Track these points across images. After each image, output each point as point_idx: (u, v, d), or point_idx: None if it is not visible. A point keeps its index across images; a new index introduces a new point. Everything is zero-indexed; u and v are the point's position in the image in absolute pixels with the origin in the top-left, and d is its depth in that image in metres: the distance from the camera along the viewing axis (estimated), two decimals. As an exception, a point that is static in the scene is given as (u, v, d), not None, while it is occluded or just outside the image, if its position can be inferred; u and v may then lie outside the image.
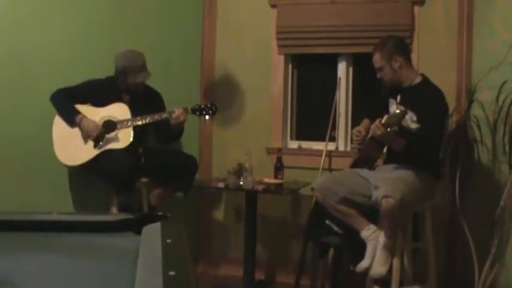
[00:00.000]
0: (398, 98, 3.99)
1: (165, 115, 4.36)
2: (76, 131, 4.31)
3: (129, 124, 4.31)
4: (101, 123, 4.31)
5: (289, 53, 5.09)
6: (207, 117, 4.50)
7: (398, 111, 3.70)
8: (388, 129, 3.61)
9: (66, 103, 4.33)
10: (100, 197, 4.53)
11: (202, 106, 4.48)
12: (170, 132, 4.47)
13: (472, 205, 4.19)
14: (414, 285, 3.98)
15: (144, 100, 4.48)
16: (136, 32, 4.69)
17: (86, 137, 4.30)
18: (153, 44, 4.55)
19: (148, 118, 4.33)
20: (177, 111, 4.35)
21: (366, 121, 4.18)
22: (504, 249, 4.00)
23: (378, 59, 3.97)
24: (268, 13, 5.04)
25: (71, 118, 4.30)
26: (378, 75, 4.02)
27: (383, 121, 3.66)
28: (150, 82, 4.56)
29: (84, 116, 4.29)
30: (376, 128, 3.66)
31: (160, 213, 2.07)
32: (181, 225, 1.92)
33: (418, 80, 3.98)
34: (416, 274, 4.02)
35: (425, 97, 3.87)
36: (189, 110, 4.41)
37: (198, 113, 4.46)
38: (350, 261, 3.97)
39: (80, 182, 4.62)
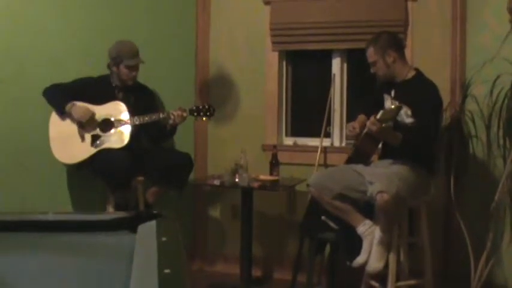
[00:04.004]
0: (393, 92, 4.00)
1: (163, 115, 4.37)
2: (73, 129, 4.31)
3: (127, 123, 4.31)
4: (98, 122, 4.31)
5: (283, 49, 5.09)
6: (204, 118, 4.51)
7: (393, 106, 3.70)
8: (384, 125, 3.61)
9: (57, 95, 4.32)
10: (97, 196, 4.52)
11: (200, 107, 4.49)
12: (163, 131, 4.48)
13: (467, 199, 4.21)
14: (410, 280, 3.99)
15: (137, 97, 4.50)
16: (130, 32, 4.68)
17: (78, 123, 4.28)
18: (147, 43, 4.56)
19: (147, 118, 4.33)
20: (175, 113, 4.35)
21: (361, 117, 4.19)
22: (499, 243, 4.02)
23: (371, 54, 3.98)
24: (262, 10, 5.03)
25: (61, 107, 4.29)
26: (372, 70, 4.02)
27: (378, 117, 3.67)
28: (144, 81, 4.57)
29: (74, 104, 4.29)
30: (371, 124, 3.66)
31: (155, 211, 2.07)
32: (177, 223, 1.92)
33: (411, 74, 3.98)
34: (412, 269, 4.03)
35: (419, 91, 3.87)
36: (187, 112, 4.42)
37: (195, 114, 4.46)
38: (346, 257, 3.98)
39: (77, 181, 4.62)
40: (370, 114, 4.08)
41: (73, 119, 4.30)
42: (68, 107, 4.28)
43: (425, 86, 3.91)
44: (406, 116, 3.83)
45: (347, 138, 4.79)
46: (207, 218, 5.28)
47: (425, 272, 4.00)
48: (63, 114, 4.30)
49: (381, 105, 4.04)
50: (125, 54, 4.37)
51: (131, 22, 4.86)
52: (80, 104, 4.30)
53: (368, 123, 3.71)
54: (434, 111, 3.86)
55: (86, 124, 4.29)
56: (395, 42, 4.02)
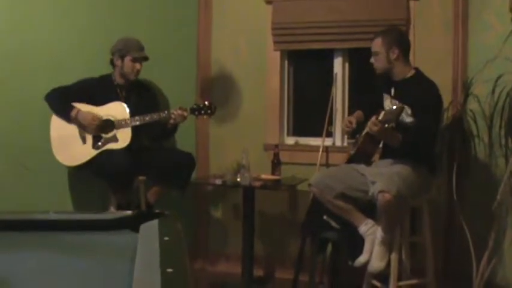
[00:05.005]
0: (392, 91, 4.00)
1: (164, 115, 4.36)
2: (74, 131, 4.31)
3: (127, 124, 4.31)
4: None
5: (285, 49, 5.08)
6: (205, 116, 4.50)
7: (394, 107, 3.68)
8: (386, 126, 3.60)
9: (60, 101, 4.33)
10: (99, 196, 4.53)
11: (201, 106, 4.47)
12: (164, 130, 4.48)
13: (469, 199, 4.20)
14: (412, 280, 3.99)
15: (139, 95, 4.51)
16: (132, 30, 4.68)
17: (86, 129, 4.29)
18: (148, 42, 4.55)
19: (147, 118, 4.32)
20: (176, 113, 4.35)
21: (358, 112, 4.19)
22: (501, 243, 4.01)
23: (378, 43, 3.96)
24: (264, 9, 5.03)
25: (66, 114, 4.30)
26: (372, 59, 4.01)
27: (380, 117, 3.65)
28: (146, 79, 4.57)
29: (79, 110, 4.29)
30: (373, 124, 3.66)
31: (157, 211, 2.07)
32: (179, 223, 1.92)
33: (411, 73, 3.98)
34: (414, 268, 4.03)
35: (419, 90, 3.87)
36: (188, 111, 4.41)
37: (196, 113, 4.45)
38: (348, 256, 3.98)
39: (79, 181, 4.62)
40: (367, 112, 4.08)
41: (80, 126, 4.31)
42: (74, 113, 4.29)
43: (425, 84, 3.91)
44: (406, 115, 3.82)
45: (343, 134, 4.78)
46: (208, 217, 5.28)
47: (427, 271, 3.99)
48: (69, 121, 4.31)
49: (379, 104, 4.04)
50: (131, 47, 4.39)
51: (133, 21, 4.86)
52: (85, 111, 4.31)
53: (369, 123, 3.71)
54: (434, 110, 3.86)
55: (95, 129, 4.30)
56: (403, 41, 4.02)
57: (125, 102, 4.39)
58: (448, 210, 4.40)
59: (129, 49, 4.38)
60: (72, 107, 4.31)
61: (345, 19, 4.80)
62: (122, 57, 4.40)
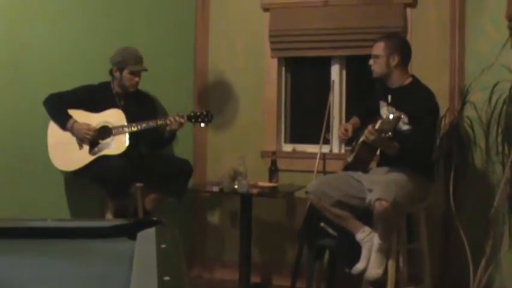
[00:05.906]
0: (389, 98, 4.00)
1: (161, 122, 4.36)
2: (71, 136, 4.31)
3: (124, 130, 4.31)
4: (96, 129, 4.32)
5: (282, 56, 5.09)
6: (202, 124, 4.51)
7: (391, 116, 3.66)
8: (382, 135, 3.60)
9: (58, 108, 4.33)
10: (95, 203, 4.52)
11: (198, 113, 4.48)
12: (162, 138, 4.48)
13: (466, 206, 4.20)
14: (409, 287, 3.99)
15: (137, 105, 4.50)
16: (129, 38, 4.69)
17: (81, 140, 4.30)
18: (145, 49, 4.56)
19: (144, 124, 4.32)
20: (172, 119, 4.35)
21: (354, 119, 4.20)
22: (498, 250, 4.01)
23: (380, 47, 3.97)
24: (261, 17, 5.04)
25: (63, 123, 4.30)
26: (371, 62, 4.01)
27: (377, 126, 3.64)
28: (143, 87, 4.57)
29: (76, 121, 4.29)
30: (370, 133, 3.66)
31: (154, 218, 2.07)
32: (176, 230, 1.92)
33: (408, 81, 3.99)
34: (411, 275, 4.03)
35: (416, 98, 3.88)
36: (185, 118, 4.41)
37: (193, 120, 4.46)
38: (345, 264, 3.98)
39: (76, 188, 4.62)
40: (363, 118, 4.09)
41: (75, 137, 4.31)
42: (69, 124, 4.29)
43: (421, 92, 3.93)
44: (402, 123, 3.82)
45: (340, 141, 4.78)
46: (206, 224, 5.27)
47: (424, 278, 3.99)
48: (64, 130, 4.31)
49: (375, 111, 4.04)
50: (129, 60, 4.37)
51: (130, 29, 4.86)
52: (81, 122, 4.31)
53: (366, 132, 3.71)
54: (430, 118, 3.87)
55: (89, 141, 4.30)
56: (405, 49, 4.03)
57: (124, 111, 4.39)
58: (445, 216, 4.40)
59: (127, 62, 4.37)
60: (69, 117, 4.31)
61: (342, 26, 4.81)
62: (121, 70, 4.39)
